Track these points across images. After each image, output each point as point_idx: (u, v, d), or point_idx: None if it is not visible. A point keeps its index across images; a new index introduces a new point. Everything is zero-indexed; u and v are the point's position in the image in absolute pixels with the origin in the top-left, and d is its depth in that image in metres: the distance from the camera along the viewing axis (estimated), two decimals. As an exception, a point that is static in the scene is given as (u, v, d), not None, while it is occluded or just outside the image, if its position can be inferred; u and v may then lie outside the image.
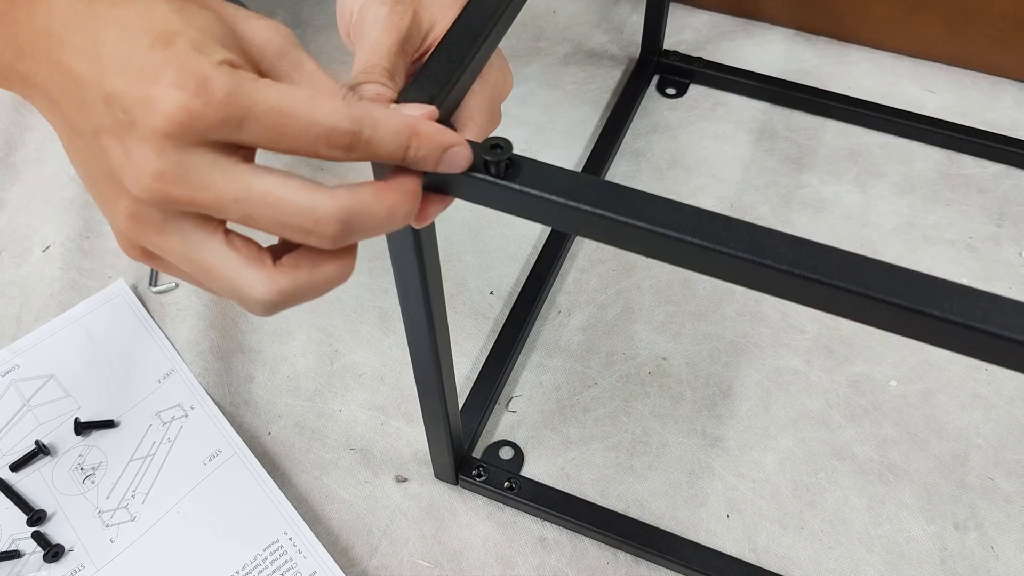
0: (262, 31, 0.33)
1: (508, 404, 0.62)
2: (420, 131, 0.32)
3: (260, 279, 0.31)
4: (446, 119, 0.37)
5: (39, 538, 0.54)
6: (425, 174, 0.33)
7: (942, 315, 0.29)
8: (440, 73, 0.37)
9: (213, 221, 0.31)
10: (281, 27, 0.33)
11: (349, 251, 0.33)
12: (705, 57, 0.81)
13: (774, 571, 0.53)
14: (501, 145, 0.33)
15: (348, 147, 0.30)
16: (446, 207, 0.35)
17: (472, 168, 0.33)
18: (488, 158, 0.33)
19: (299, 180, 0.30)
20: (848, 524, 0.56)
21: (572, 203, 0.32)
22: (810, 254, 0.30)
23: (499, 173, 0.33)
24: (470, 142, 0.34)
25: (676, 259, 0.33)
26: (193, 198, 0.30)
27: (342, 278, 0.33)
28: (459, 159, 0.33)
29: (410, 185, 0.32)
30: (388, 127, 0.31)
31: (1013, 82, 0.79)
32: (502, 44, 0.41)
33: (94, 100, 0.30)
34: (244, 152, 0.31)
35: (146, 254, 0.33)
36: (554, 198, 0.33)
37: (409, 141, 0.31)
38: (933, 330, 0.30)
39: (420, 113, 0.33)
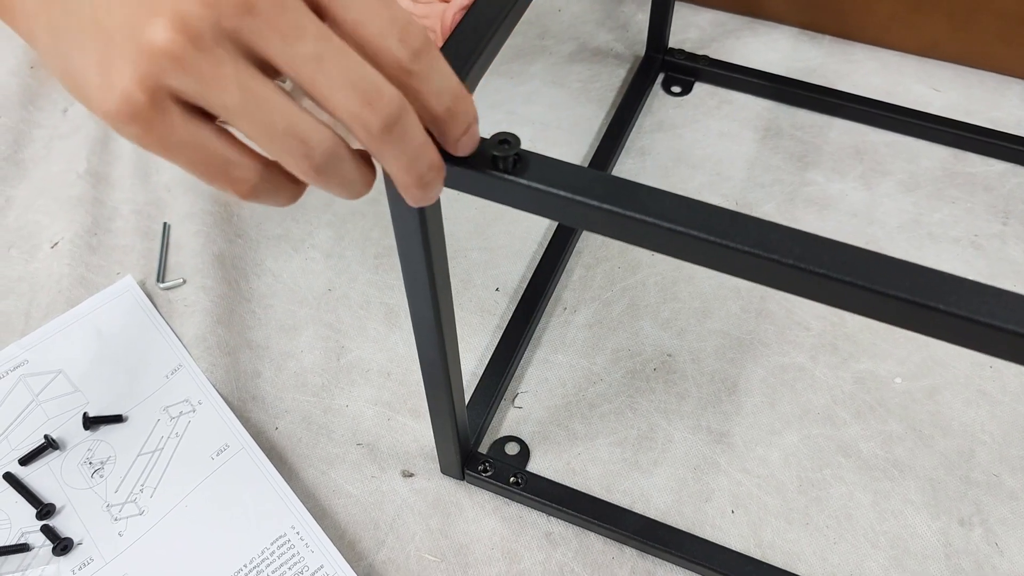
0: None
1: (514, 400, 0.62)
2: (464, 95, 0.30)
3: (323, 126, 0.29)
4: None
5: (48, 531, 0.55)
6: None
7: (948, 309, 0.29)
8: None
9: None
10: None
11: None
12: (710, 55, 0.81)
13: (779, 566, 0.54)
14: (509, 140, 0.33)
15: (414, 56, 0.28)
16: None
17: (480, 163, 0.34)
18: (496, 153, 0.33)
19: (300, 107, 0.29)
20: (853, 520, 0.56)
21: (579, 198, 0.33)
22: (816, 248, 0.31)
23: (507, 168, 0.33)
24: (480, 138, 0.34)
25: (682, 254, 0.33)
26: (189, 81, 0.27)
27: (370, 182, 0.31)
28: (474, 138, 0.33)
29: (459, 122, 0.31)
30: (446, 69, 0.30)
31: (1019, 80, 0.79)
32: (507, 42, 0.41)
33: (82, 9, 0.28)
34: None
35: (156, 99, 0.28)
36: (562, 193, 0.33)
37: (459, 93, 0.30)
38: (939, 324, 0.30)
39: None
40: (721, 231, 0.31)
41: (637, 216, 0.32)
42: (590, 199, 0.33)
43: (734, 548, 0.55)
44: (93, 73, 0.28)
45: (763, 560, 0.54)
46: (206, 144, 0.29)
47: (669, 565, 0.55)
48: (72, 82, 0.29)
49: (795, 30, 0.84)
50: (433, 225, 0.39)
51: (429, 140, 0.30)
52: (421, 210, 0.37)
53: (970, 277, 0.30)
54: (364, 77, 0.28)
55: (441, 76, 0.30)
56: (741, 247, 0.31)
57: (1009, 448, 0.59)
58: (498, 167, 0.34)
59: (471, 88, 0.38)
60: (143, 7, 0.27)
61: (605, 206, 0.32)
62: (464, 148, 0.33)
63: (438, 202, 0.38)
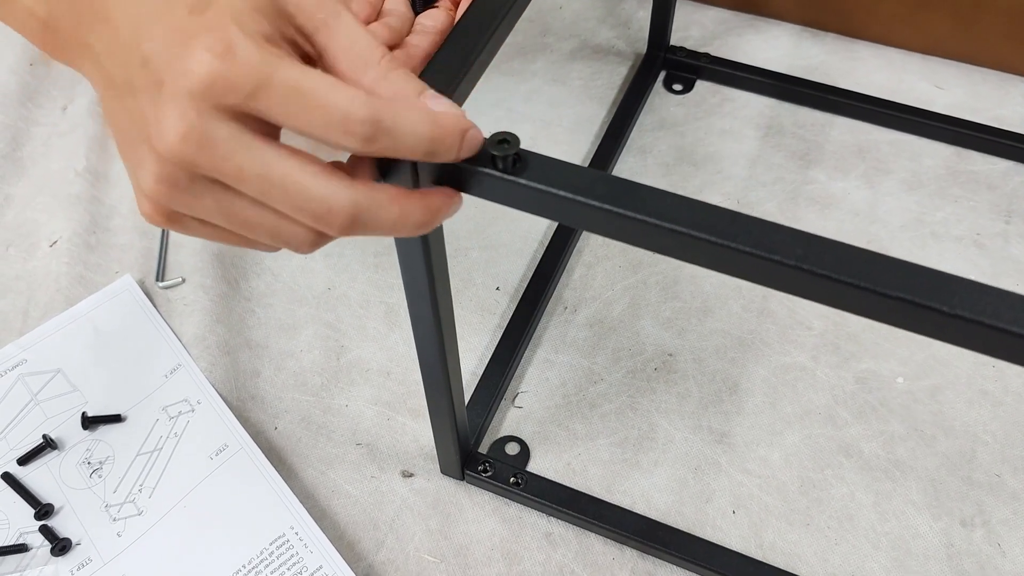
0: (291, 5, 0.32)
1: (514, 400, 0.62)
2: (441, 123, 0.31)
3: (341, 185, 0.31)
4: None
5: (47, 532, 0.54)
6: (436, 173, 0.33)
7: (952, 311, 0.29)
8: (448, 70, 0.37)
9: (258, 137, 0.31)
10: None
11: (422, 195, 0.33)
12: (712, 53, 0.80)
13: (780, 567, 0.53)
14: (508, 140, 0.33)
15: (367, 138, 0.30)
16: (454, 210, 0.35)
17: (479, 163, 0.33)
18: (495, 153, 0.33)
19: (319, 165, 0.31)
20: (854, 521, 0.56)
21: (579, 198, 0.32)
22: (819, 249, 0.30)
23: (506, 168, 0.33)
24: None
25: (683, 254, 0.32)
26: (216, 165, 0.30)
27: (410, 222, 0.33)
28: (475, 144, 0.33)
29: (434, 200, 0.33)
30: (409, 120, 0.30)
31: (1023, 78, 0.79)
32: (508, 40, 0.41)
33: (133, 58, 0.31)
34: (270, 129, 0.31)
35: (171, 217, 0.33)
36: (561, 193, 0.33)
37: (432, 134, 0.31)
38: (942, 326, 0.29)
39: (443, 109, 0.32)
40: (722, 232, 0.31)
41: (637, 217, 0.32)
42: (590, 199, 0.32)
43: (735, 549, 0.54)
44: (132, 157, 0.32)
45: (764, 561, 0.54)
46: (278, 179, 0.31)
47: (670, 566, 0.54)
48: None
49: (797, 27, 0.84)
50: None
51: (399, 216, 0.32)
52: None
53: (973, 276, 0.30)
54: (309, 201, 0.30)
55: (406, 132, 0.30)
56: (742, 248, 0.31)
57: (1011, 448, 0.58)
58: (497, 167, 0.33)
59: (469, 88, 0.38)
60: (143, 149, 0.31)
61: (605, 206, 0.32)
62: (466, 155, 0.33)
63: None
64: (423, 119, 0.31)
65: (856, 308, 0.31)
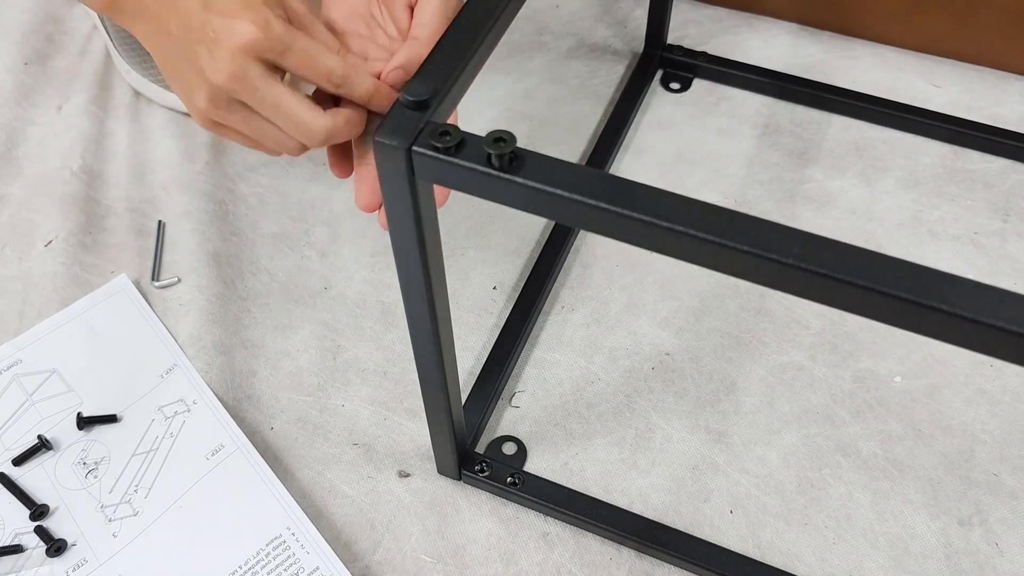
0: (295, 4, 0.47)
1: (511, 399, 0.61)
2: (379, 87, 0.47)
3: (320, 115, 0.46)
4: (446, 115, 0.37)
5: (42, 533, 0.54)
6: (432, 171, 0.33)
7: (950, 310, 0.29)
8: (442, 67, 0.37)
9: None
10: (306, 5, 0.47)
11: (359, 110, 0.48)
12: (709, 52, 0.80)
13: (778, 567, 0.53)
14: (504, 138, 0.33)
15: (338, 85, 0.46)
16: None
17: (476, 161, 0.33)
18: (491, 151, 0.33)
19: (309, 102, 0.46)
20: (852, 520, 0.56)
21: (576, 197, 0.32)
22: (816, 248, 0.30)
23: (502, 167, 0.33)
24: (475, 135, 0.34)
25: (681, 253, 0.32)
26: (247, 94, 0.45)
27: (360, 126, 0.49)
28: (396, 82, 0.48)
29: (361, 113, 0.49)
30: (362, 80, 0.47)
31: (1020, 77, 0.79)
32: (504, 38, 0.41)
33: (194, 21, 0.44)
34: (282, 75, 0.46)
35: (215, 124, 0.48)
36: (558, 192, 0.32)
37: (374, 90, 0.47)
38: (941, 325, 0.29)
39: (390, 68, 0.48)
40: (719, 231, 0.31)
41: (634, 216, 0.32)
42: (586, 198, 0.32)
43: (733, 549, 0.54)
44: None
45: (762, 561, 0.54)
46: (279, 106, 0.46)
47: (667, 566, 0.54)
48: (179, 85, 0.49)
49: (795, 26, 0.84)
50: (429, 223, 0.38)
51: (354, 131, 0.49)
52: (416, 208, 0.37)
53: (970, 275, 0.29)
54: (299, 123, 0.47)
55: (361, 83, 0.47)
56: (739, 247, 0.30)
57: (1009, 447, 0.58)
58: (493, 165, 0.33)
59: (465, 86, 0.38)
60: (197, 79, 0.46)
61: (602, 205, 0.32)
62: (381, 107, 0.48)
63: (432, 199, 0.38)
64: (370, 81, 0.47)
65: (854, 307, 0.31)
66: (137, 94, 0.79)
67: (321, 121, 0.46)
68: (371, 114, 0.49)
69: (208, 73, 0.45)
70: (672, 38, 0.82)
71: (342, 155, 0.51)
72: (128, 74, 0.78)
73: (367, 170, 0.49)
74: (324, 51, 0.46)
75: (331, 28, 0.51)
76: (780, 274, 0.31)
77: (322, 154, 0.75)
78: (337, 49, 0.48)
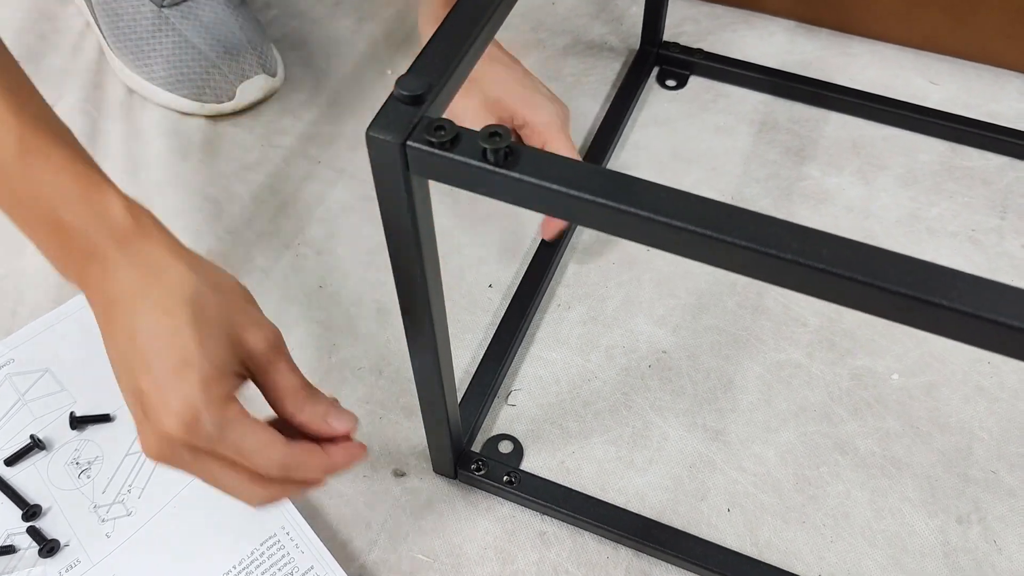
0: (257, 340, 0.43)
1: (507, 398, 0.61)
2: (332, 460, 0.45)
3: (256, 490, 0.44)
4: (441, 109, 0.36)
5: (34, 533, 0.54)
6: (428, 166, 0.33)
7: (951, 305, 0.28)
8: (437, 62, 0.36)
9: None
10: (271, 335, 0.44)
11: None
12: (706, 49, 0.80)
13: (776, 565, 0.53)
14: (500, 133, 0.33)
15: (280, 472, 0.43)
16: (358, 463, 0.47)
17: (471, 156, 0.33)
18: (487, 146, 0.32)
19: (246, 473, 0.43)
20: (850, 518, 0.55)
21: (573, 192, 0.32)
22: (816, 243, 0.30)
23: (498, 161, 0.33)
24: (469, 130, 0.33)
25: (680, 249, 0.32)
26: (180, 465, 0.42)
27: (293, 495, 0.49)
28: (356, 459, 0.46)
29: (337, 456, 0.45)
30: (307, 465, 0.44)
31: (1017, 74, 0.79)
32: (500, 35, 0.41)
33: (130, 374, 0.42)
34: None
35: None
36: (554, 187, 0.32)
37: (322, 473, 0.45)
38: (942, 320, 0.29)
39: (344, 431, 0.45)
40: (719, 226, 0.30)
41: (633, 211, 0.31)
42: (584, 193, 0.32)
43: (730, 547, 0.54)
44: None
45: (760, 559, 0.53)
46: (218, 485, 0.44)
47: (665, 565, 0.54)
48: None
49: (791, 23, 0.84)
50: (424, 221, 0.38)
51: (324, 467, 0.46)
52: (412, 204, 0.36)
53: (968, 272, 0.29)
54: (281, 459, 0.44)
55: (305, 470, 0.45)
56: (740, 242, 0.30)
57: (1007, 445, 0.58)
58: (489, 160, 0.33)
59: (458, 84, 0.38)
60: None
61: (599, 200, 0.32)
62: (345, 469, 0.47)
63: (427, 194, 0.38)
64: (319, 466, 0.45)
65: (855, 303, 0.30)
66: (131, 92, 0.78)
67: (261, 493, 0.44)
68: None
69: (142, 439, 0.42)
70: (668, 35, 0.81)
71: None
72: (121, 72, 0.78)
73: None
74: (265, 444, 0.42)
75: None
76: (780, 269, 0.30)
77: (317, 150, 0.74)
78: (299, 385, 0.45)
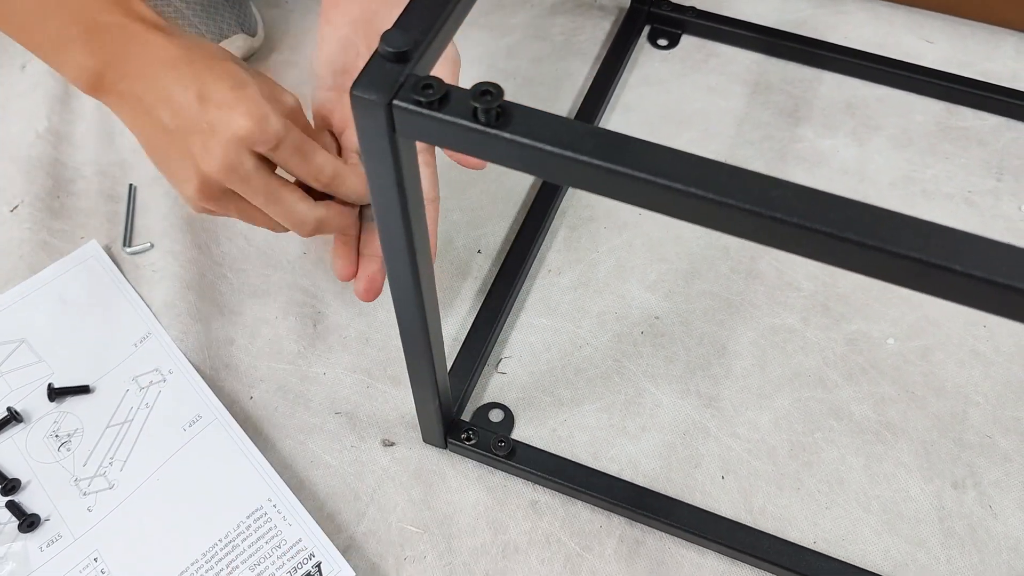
0: (290, 97, 0.50)
1: (498, 365, 0.60)
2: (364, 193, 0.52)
3: (311, 206, 0.50)
4: (428, 67, 0.35)
5: (14, 508, 0.53)
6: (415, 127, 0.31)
7: (964, 270, 0.27)
8: (423, 17, 0.35)
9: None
10: (297, 102, 0.50)
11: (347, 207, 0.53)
12: (697, 7, 0.78)
13: (771, 532, 0.53)
14: (491, 91, 0.31)
15: (327, 185, 0.50)
16: None
17: (460, 115, 0.31)
18: (477, 105, 0.31)
19: (300, 192, 0.50)
20: (845, 484, 0.55)
21: (567, 152, 0.30)
22: (823, 206, 0.29)
23: (489, 121, 0.31)
24: (459, 88, 0.32)
25: (678, 212, 0.31)
26: (239, 185, 0.47)
27: (350, 218, 0.54)
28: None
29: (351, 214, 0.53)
30: (351, 180, 0.51)
31: (1012, 32, 0.77)
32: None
33: (189, 111, 0.46)
34: (274, 166, 0.49)
35: (206, 209, 0.50)
36: (548, 147, 0.31)
37: (361, 191, 0.52)
38: (951, 284, 0.28)
39: None
40: (720, 188, 0.29)
41: (630, 172, 0.30)
42: (579, 154, 0.30)
43: (724, 514, 0.53)
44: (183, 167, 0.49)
45: (754, 526, 0.53)
46: (275, 200, 0.50)
47: (658, 533, 0.53)
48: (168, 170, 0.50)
49: (784, -20, 0.82)
50: (411, 183, 0.37)
51: (343, 225, 0.54)
52: (398, 167, 0.35)
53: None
54: (291, 213, 0.50)
55: (348, 186, 0.52)
56: (742, 205, 0.29)
57: (1003, 409, 0.58)
58: (480, 120, 0.31)
59: (445, 42, 0.36)
60: (188, 170, 0.48)
61: (595, 161, 0.30)
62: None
63: (414, 156, 0.36)
64: (360, 182, 0.51)
65: (858, 266, 0.29)
66: (104, 52, 0.75)
67: (312, 212, 0.49)
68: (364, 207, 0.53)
69: (201, 163, 0.46)
70: (659, -7, 0.79)
71: (347, 254, 0.54)
72: (94, 31, 0.75)
73: (346, 248, 0.54)
74: (316, 148, 0.48)
75: (327, 123, 0.54)
76: (784, 233, 0.29)
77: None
78: (331, 147, 0.51)
